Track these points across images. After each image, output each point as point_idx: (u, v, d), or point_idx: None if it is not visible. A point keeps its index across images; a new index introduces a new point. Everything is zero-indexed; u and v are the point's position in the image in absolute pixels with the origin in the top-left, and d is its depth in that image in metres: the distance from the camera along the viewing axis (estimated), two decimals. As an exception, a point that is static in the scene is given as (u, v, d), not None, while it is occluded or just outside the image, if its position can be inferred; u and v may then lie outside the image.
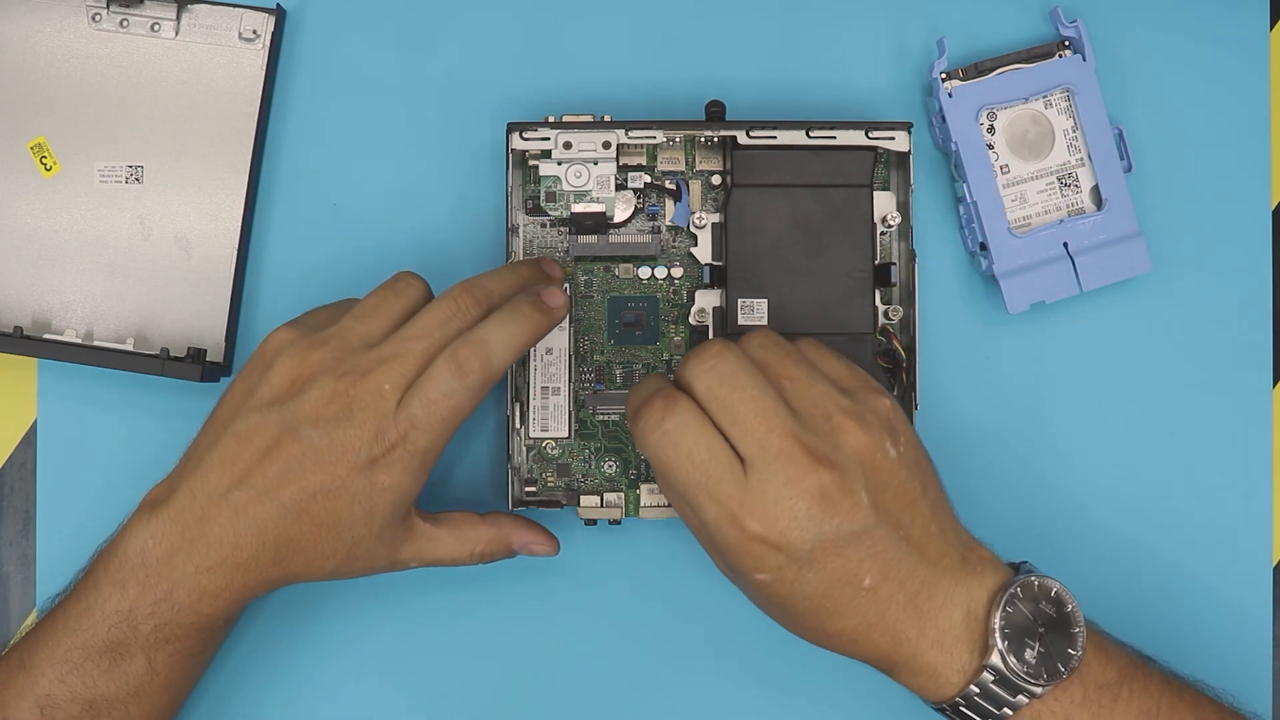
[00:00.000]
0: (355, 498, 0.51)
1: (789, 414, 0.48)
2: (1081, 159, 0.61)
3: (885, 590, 0.48)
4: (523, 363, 0.58)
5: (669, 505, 0.59)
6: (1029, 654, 0.48)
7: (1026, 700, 0.49)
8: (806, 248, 0.57)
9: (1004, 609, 0.49)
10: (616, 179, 0.58)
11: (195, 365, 0.58)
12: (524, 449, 0.59)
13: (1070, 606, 0.50)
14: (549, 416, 0.58)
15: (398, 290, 0.54)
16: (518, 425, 0.58)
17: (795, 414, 0.48)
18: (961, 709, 0.49)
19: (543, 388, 0.58)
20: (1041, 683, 0.48)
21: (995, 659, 0.48)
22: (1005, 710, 0.49)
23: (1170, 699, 0.50)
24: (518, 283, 0.54)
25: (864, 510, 0.47)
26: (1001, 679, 0.48)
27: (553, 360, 0.58)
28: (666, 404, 0.48)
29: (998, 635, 0.48)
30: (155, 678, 0.52)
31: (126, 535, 0.52)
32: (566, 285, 0.59)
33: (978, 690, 0.49)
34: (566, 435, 0.58)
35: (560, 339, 0.58)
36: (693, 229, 0.59)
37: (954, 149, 0.60)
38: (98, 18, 0.60)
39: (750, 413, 0.48)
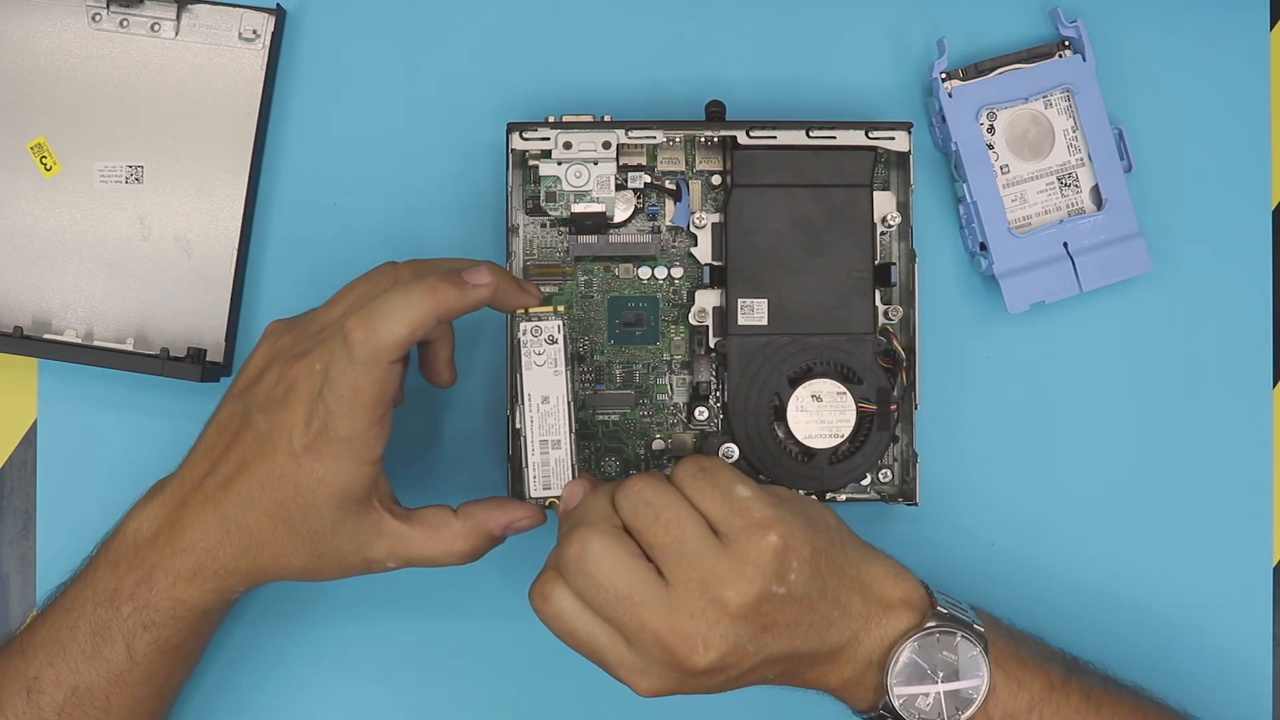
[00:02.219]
0: (298, 489, 0.50)
1: (661, 598, 0.47)
2: (1081, 159, 0.61)
3: (790, 671, 0.50)
4: (515, 408, 0.54)
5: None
6: (923, 701, 0.50)
7: None
8: (806, 248, 0.57)
9: (899, 661, 0.50)
10: (616, 179, 0.58)
11: (195, 365, 0.58)
12: (524, 449, 0.59)
13: (972, 654, 0.51)
14: (550, 473, 0.53)
15: (370, 277, 0.53)
16: (518, 425, 0.58)
17: (669, 589, 0.47)
18: None
19: (541, 441, 0.53)
20: None
21: (889, 702, 0.50)
22: None
23: (1086, 718, 0.52)
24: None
25: (751, 656, 0.48)
26: (897, 718, 0.51)
27: (550, 410, 0.53)
28: (547, 588, 0.49)
29: (889, 685, 0.50)
30: (135, 667, 0.52)
31: (126, 518, 0.53)
32: (562, 316, 0.53)
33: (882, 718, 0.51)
34: None
35: (557, 385, 0.53)
36: (693, 229, 0.59)
37: (954, 149, 0.60)
38: (98, 18, 0.60)
39: (619, 612, 0.47)
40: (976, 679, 0.51)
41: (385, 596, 0.61)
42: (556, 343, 0.53)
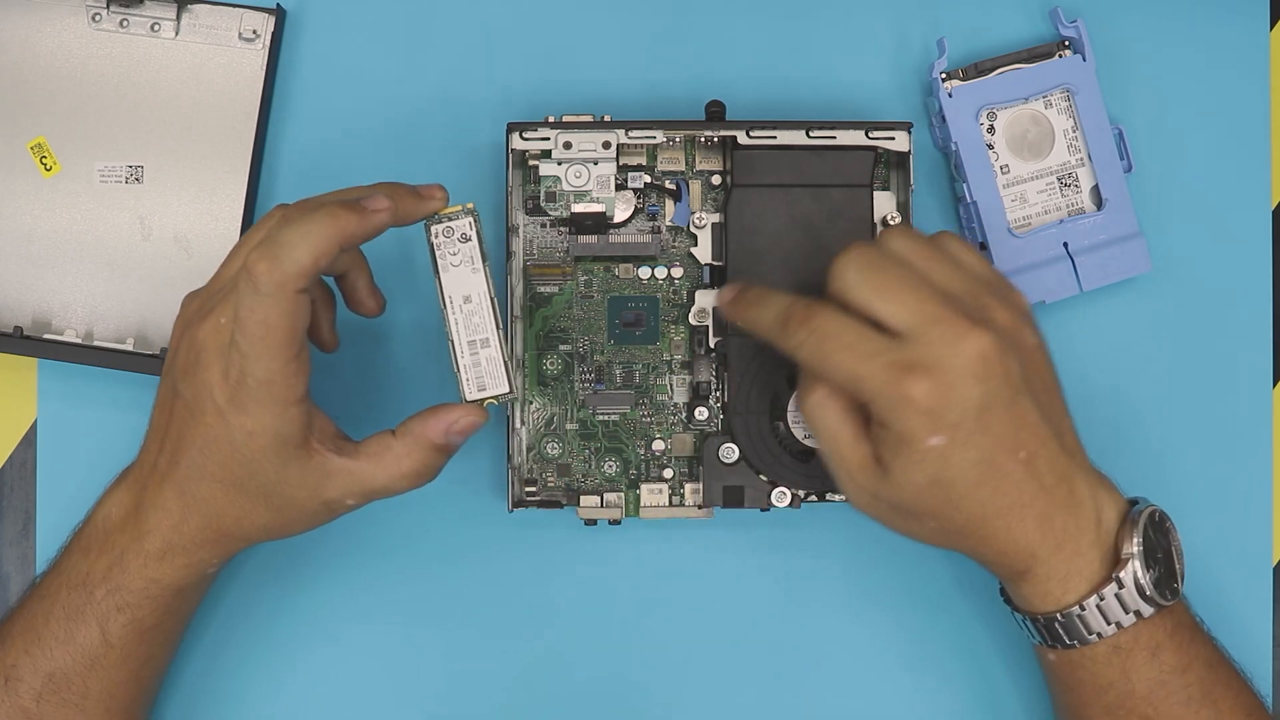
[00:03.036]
0: (234, 447, 0.49)
1: (939, 290, 0.49)
2: (1081, 159, 0.61)
3: (1036, 466, 0.49)
4: (441, 317, 0.53)
5: (669, 505, 0.59)
6: (1148, 575, 0.50)
7: (1131, 621, 0.50)
8: (806, 248, 0.57)
9: (1143, 526, 0.50)
10: (616, 179, 0.58)
11: (195, 365, 0.58)
12: (524, 449, 0.59)
13: (1178, 540, 0.52)
14: (483, 373, 0.52)
15: (263, 223, 0.52)
16: (517, 425, 0.58)
17: (943, 292, 0.49)
18: (1060, 622, 0.51)
19: (469, 341, 0.52)
20: (1154, 605, 0.50)
21: (1126, 573, 0.50)
22: (1109, 629, 0.51)
23: (1221, 653, 0.54)
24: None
25: (1015, 379, 0.49)
26: (1125, 593, 0.50)
27: (474, 309, 0.52)
28: (808, 306, 0.50)
29: (1136, 550, 0.50)
30: (110, 650, 0.53)
31: (96, 505, 0.54)
32: (473, 213, 0.52)
33: (1099, 600, 0.50)
34: (509, 390, 0.52)
35: (477, 282, 0.52)
36: (693, 229, 0.59)
37: (954, 149, 0.60)
38: (98, 18, 0.60)
39: (902, 289, 0.48)
40: (1180, 566, 0.52)
41: (388, 592, 0.61)
42: (470, 240, 0.52)
